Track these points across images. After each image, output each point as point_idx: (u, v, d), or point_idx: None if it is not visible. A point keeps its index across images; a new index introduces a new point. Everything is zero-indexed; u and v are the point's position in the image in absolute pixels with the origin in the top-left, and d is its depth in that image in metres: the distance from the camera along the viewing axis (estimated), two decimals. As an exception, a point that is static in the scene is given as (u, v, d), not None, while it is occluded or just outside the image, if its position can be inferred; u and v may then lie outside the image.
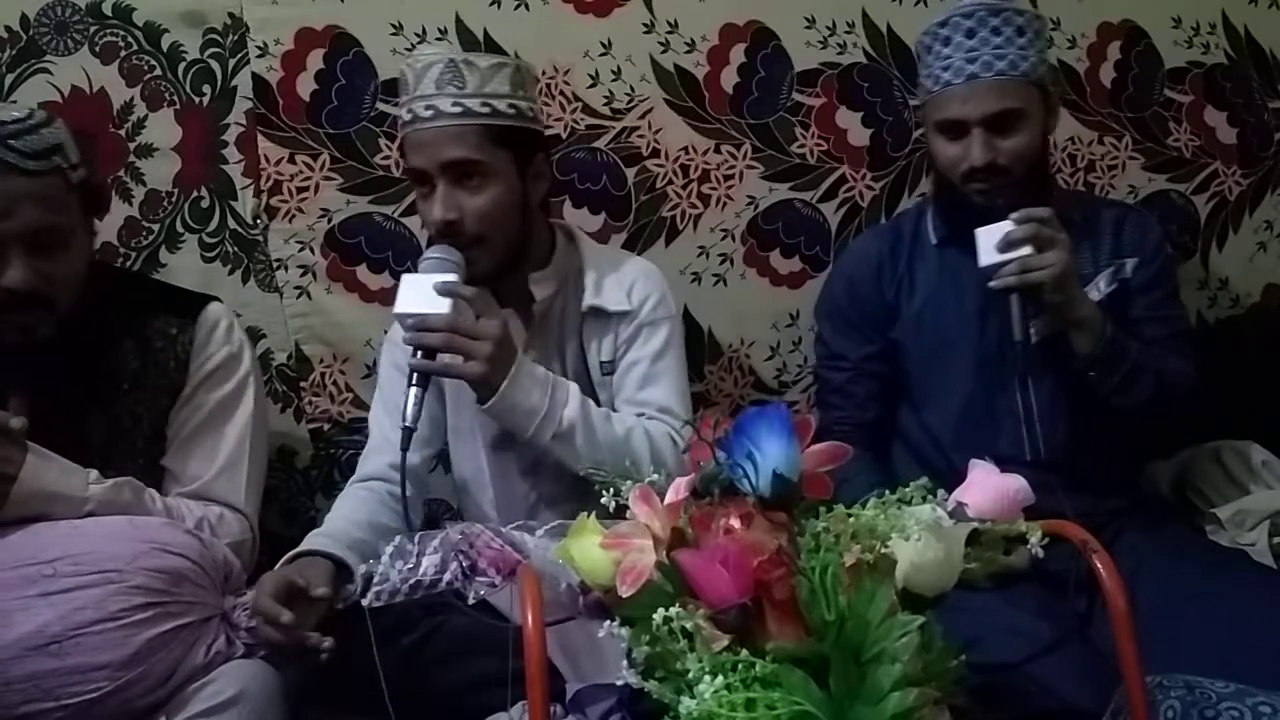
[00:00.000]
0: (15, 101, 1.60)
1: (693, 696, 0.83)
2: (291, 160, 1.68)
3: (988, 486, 1.01)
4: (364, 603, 1.03)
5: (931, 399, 1.61)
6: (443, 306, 1.29)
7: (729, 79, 1.79)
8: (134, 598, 1.14)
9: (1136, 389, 1.48)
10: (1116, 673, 0.99)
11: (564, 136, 1.73)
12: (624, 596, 0.91)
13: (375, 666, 1.07)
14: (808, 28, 1.80)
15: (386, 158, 1.71)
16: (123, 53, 1.64)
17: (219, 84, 1.66)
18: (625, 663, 0.90)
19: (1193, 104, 1.94)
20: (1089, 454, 1.55)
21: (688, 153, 1.79)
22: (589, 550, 0.95)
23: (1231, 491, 1.73)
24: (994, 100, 1.48)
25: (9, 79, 1.61)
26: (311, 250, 1.71)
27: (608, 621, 0.92)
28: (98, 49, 1.63)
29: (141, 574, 1.16)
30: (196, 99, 1.66)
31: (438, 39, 1.69)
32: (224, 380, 1.39)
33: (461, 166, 1.36)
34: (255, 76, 1.66)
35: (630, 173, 1.78)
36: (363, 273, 1.74)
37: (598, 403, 1.43)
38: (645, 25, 1.75)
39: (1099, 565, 0.97)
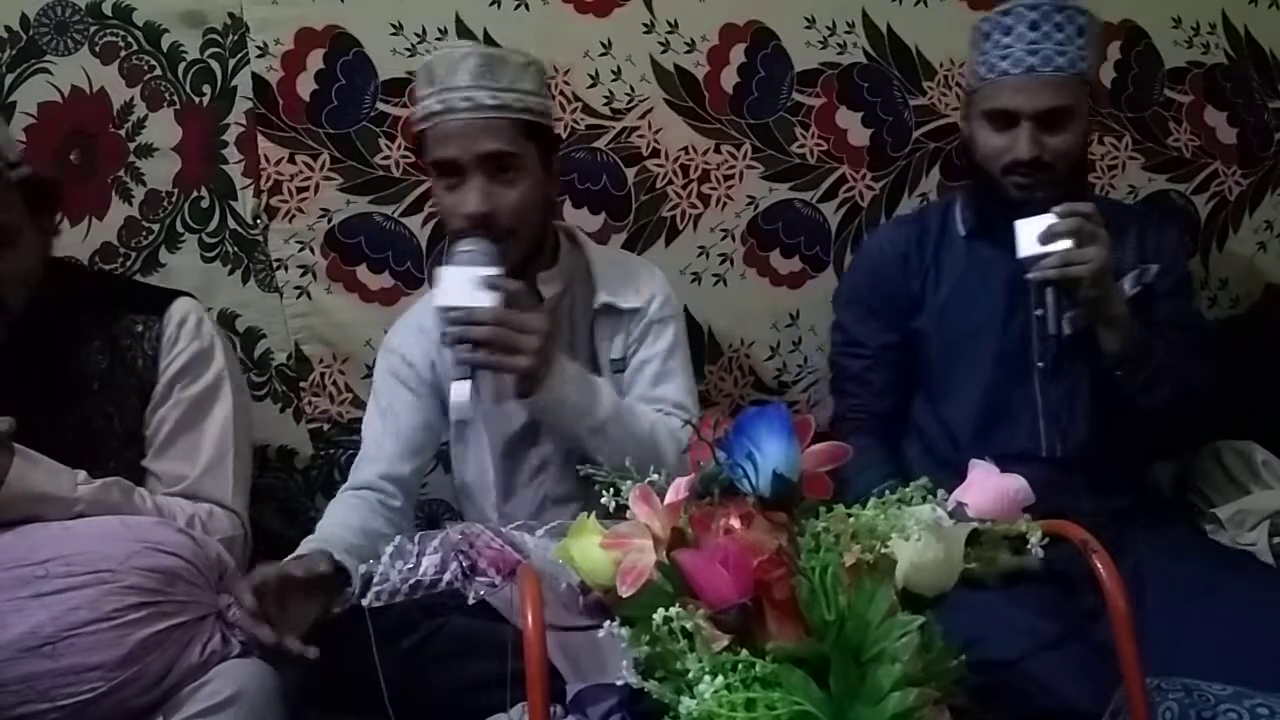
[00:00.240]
0: (15, 106, 1.60)
1: (693, 696, 0.83)
2: (291, 160, 1.68)
3: (988, 486, 1.01)
4: (364, 603, 1.03)
5: (951, 392, 1.60)
6: (487, 299, 1.28)
7: (729, 79, 1.79)
8: (127, 597, 1.14)
9: (1161, 389, 1.48)
10: (1117, 673, 0.99)
11: (564, 136, 1.73)
12: (624, 596, 0.91)
13: (375, 667, 1.07)
14: (808, 28, 1.80)
15: (386, 158, 1.71)
16: (123, 53, 1.64)
17: (219, 84, 1.66)
18: (625, 663, 0.90)
19: (1193, 104, 1.94)
20: (1103, 452, 1.55)
21: (688, 153, 1.79)
22: (589, 550, 0.95)
23: (1232, 491, 1.73)
24: (1049, 96, 1.48)
25: (9, 79, 1.61)
26: (311, 250, 1.71)
27: (608, 621, 0.92)
28: (98, 49, 1.63)
29: (135, 573, 1.15)
30: (196, 99, 1.66)
31: (438, 39, 1.69)
32: (197, 376, 1.37)
33: (498, 159, 1.35)
34: (255, 76, 1.66)
35: (630, 173, 1.78)
36: (363, 273, 1.74)
37: None
38: (645, 25, 1.75)
39: (1099, 565, 0.97)
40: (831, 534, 0.91)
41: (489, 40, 1.70)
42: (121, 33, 1.64)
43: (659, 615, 0.86)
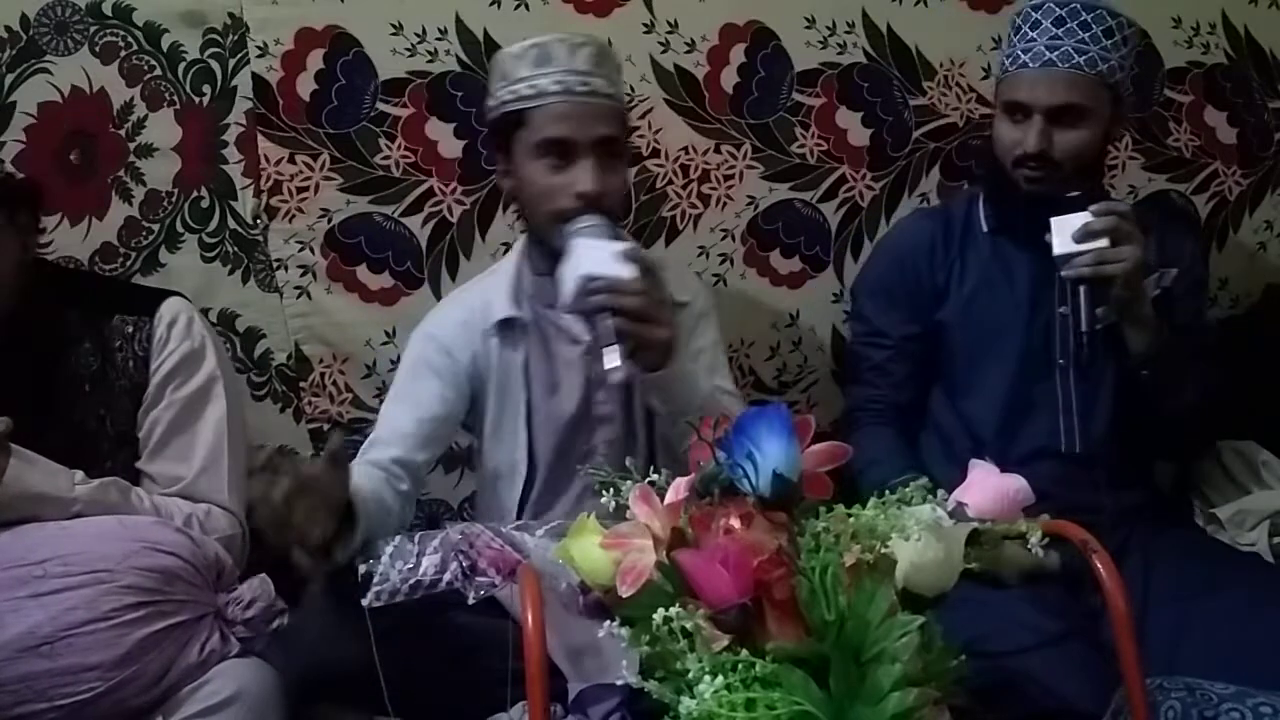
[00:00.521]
0: (15, 106, 1.60)
1: (693, 696, 0.83)
2: (291, 160, 1.68)
3: (988, 486, 1.01)
4: (364, 603, 1.03)
5: (973, 387, 1.60)
6: (628, 271, 1.29)
7: (729, 79, 1.78)
8: (125, 597, 1.13)
9: (1183, 392, 1.49)
10: (1119, 672, 0.99)
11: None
12: (624, 596, 0.91)
13: (375, 666, 1.07)
14: (808, 28, 1.80)
15: (386, 158, 1.71)
16: (123, 53, 1.64)
17: (219, 84, 1.66)
18: (625, 662, 0.90)
19: (1193, 104, 1.94)
20: (1122, 448, 1.56)
21: (688, 153, 1.79)
22: (589, 550, 0.95)
23: (1232, 491, 1.73)
24: (1062, 91, 1.49)
25: (9, 79, 1.61)
26: (311, 250, 1.71)
27: (608, 621, 0.92)
28: (98, 49, 1.63)
29: (132, 573, 1.15)
30: (196, 99, 1.66)
31: (438, 39, 1.69)
32: (189, 377, 1.37)
33: (611, 144, 1.41)
34: (255, 76, 1.66)
35: (630, 173, 1.78)
36: (363, 273, 1.73)
37: None
38: (645, 25, 1.75)
39: (1099, 565, 0.97)
40: (831, 534, 0.91)
41: (489, 40, 1.70)
42: (121, 33, 1.63)
43: (659, 615, 0.86)
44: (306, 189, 1.69)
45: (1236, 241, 2.00)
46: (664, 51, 1.76)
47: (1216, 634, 1.30)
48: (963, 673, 0.91)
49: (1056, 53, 1.49)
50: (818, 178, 1.84)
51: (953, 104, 1.85)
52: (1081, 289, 1.43)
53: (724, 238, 1.82)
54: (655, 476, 0.99)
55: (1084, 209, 1.43)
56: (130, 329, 1.36)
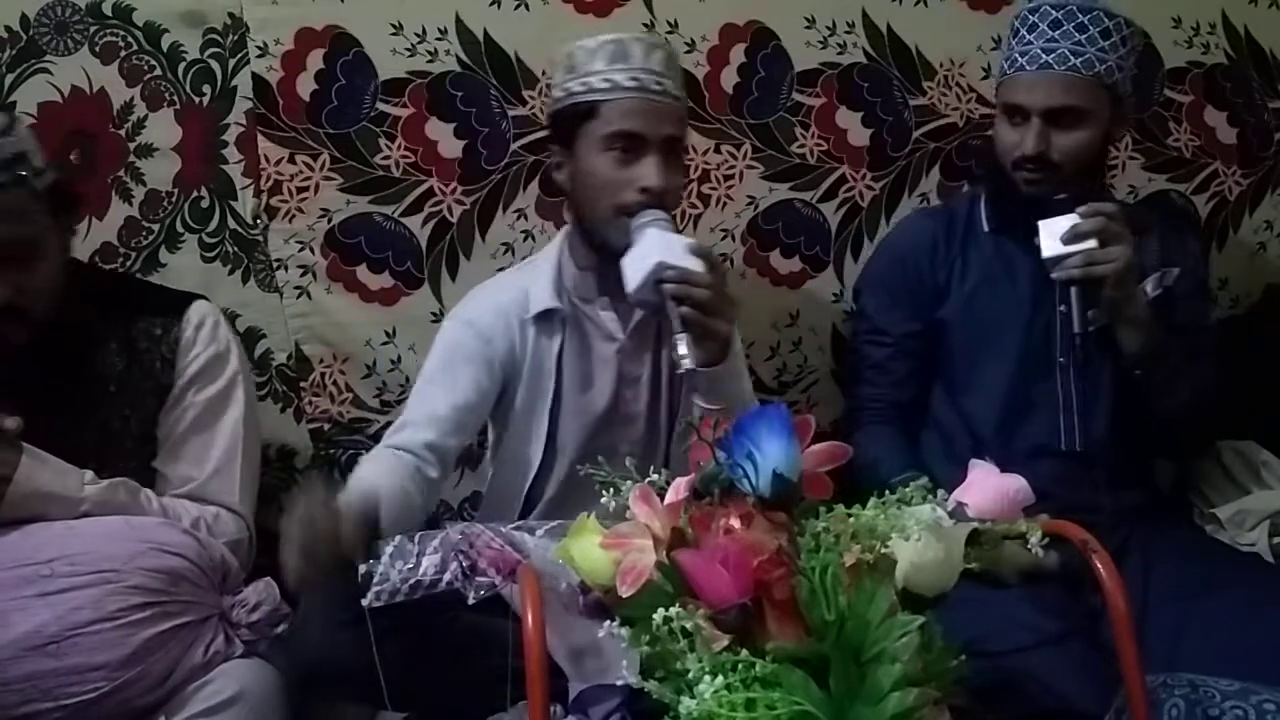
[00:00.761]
0: (15, 106, 1.59)
1: (693, 696, 0.83)
2: (291, 160, 1.68)
3: (988, 486, 1.01)
4: (364, 603, 1.03)
5: (973, 385, 1.61)
6: (697, 265, 1.32)
7: (729, 79, 1.78)
8: (131, 598, 1.14)
9: (1178, 391, 1.50)
10: (1118, 672, 0.99)
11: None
12: (624, 596, 0.91)
13: (376, 665, 1.07)
14: (808, 28, 1.80)
15: (386, 158, 1.71)
16: (123, 53, 1.64)
17: (219, 84, 1.66)
18: (626, 663, 0.90)
19: (1193, 104, 1.94)
20: (1121, 448, 1.56)
21: (688, 152, 1.78)
22: (589, 550, 0.95)
23: (1232, 491, 1.73)
24: (1059, 93, 1.49)
25: (9, 79, 1.61)
26: (311, 250, 1.71)
27: (608, 621, 0.92)
28: (98, 49, 1.63)
29: (139, 574, 1.15)
30: (196, 99, 1.66)
31: (438, 39, 1.69)
32: (212, 380, 1.38)
33: (675, 145, 1.45)
34: (255, 76, 1.66)
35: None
36: (363, 273, 1.73)
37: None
38: (645, 25, 1.75)
39: (1099, 565, 0.97)
40: (831, 534, 0.91)
41: (489, 40, 1.70)
42: (121, 33, 1.63)
43: (659, 615, 0.87)
44: (306, 189, 1.69)
45: (1236, 241, 2.00)
46: (664, 51, 1.76)
47: (1216, 634, 1.30)
48: (963, 673, 0.91)
49: (1053, 55, 1.49)
50: (818, 178, 1.84)
51: (953, 104, 1.85)
52: (1072, 290, 1.44)
53: (724, 238, 1.82)
54: (655, 476, 1.00)
55: (1072, 211, 1.44)
56: (158, 331, 1.37)
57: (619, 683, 0.92)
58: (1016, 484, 1.01)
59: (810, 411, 1.83)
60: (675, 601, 0.88)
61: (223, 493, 1.36)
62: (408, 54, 1.69)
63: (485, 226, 1.75)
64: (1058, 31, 1.49)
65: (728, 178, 1.81)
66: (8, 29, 1.61)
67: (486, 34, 1.70)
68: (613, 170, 1.41)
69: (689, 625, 0.86)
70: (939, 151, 1.86)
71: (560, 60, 1.48)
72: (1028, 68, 1.51)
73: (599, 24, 1.73)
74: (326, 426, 1.76)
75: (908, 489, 0.97)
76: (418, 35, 1.69)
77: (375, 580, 1.02)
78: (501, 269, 1.73)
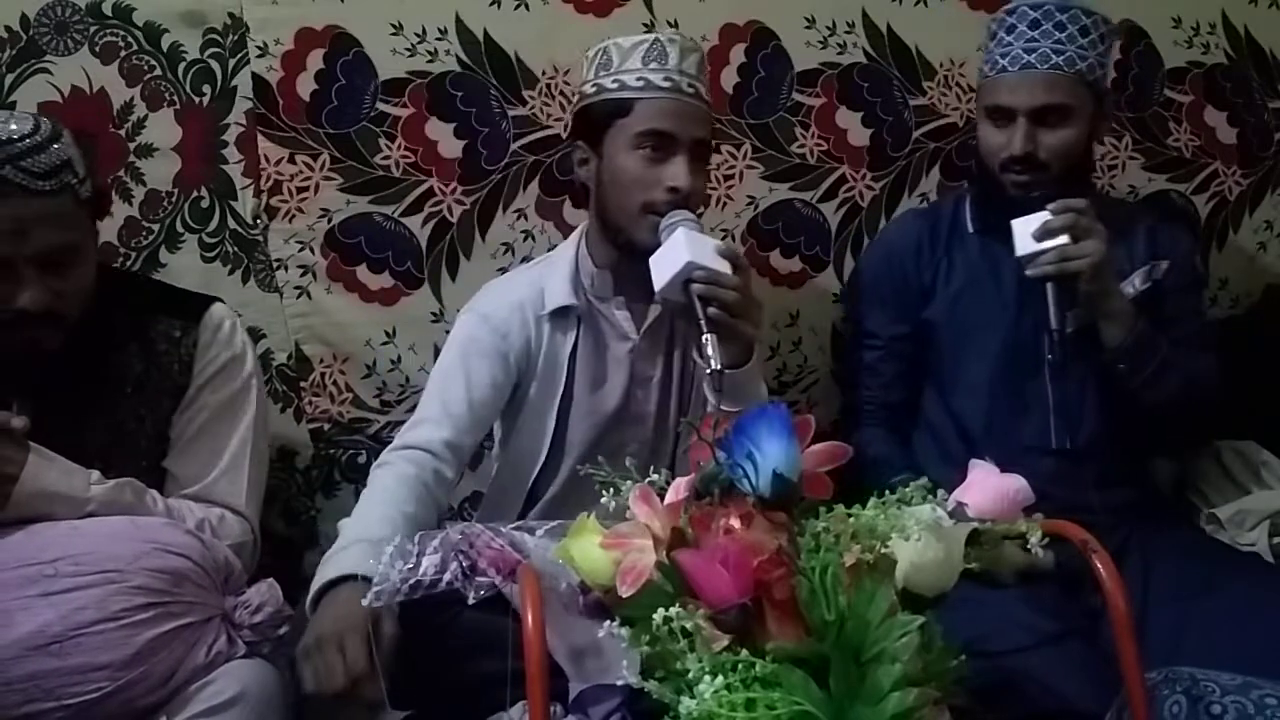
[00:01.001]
0: (15, 106, 1.59)
1: (693, 696, 0.83)
2: (291, 160, 1.68)
3: (988, 486, 1.01)
4: (364, 602, 1.03)
5: (960, 385, 1.61)
6: (727, 267, 1.32)
7: (729, 79, 1.79)
8: (135, 598, 1.14)
9: (1165, 384, 1.49)
10: (1118, 672, 0.99)
11: (564, 136, 1.73)
12: (624, 596, 0.91)
13: (390, 662, 1.07)
14: (808, 28, 1.80)
15: (386, 158, 1.71)
16: (123, 53, 1.64)
17: (219, 84, 1.66)
18: (626, 662, 0.90)
19: (1193, 104, 1.94)
20: (1112, 446, 1.56)
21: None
22: (589, 550, 0.95)
23: (1232, 491, 1.73)
24: (1043, 92, 1.50)
25: (9, 79, 1.61)
26: (311, 250, 1.71)
27: (608, 621, 0.92)
28: (98, 49, 1.63)
29: (143, 574, 1.15)
30: (196, 99, 1.66)
31: (438, 39, 1.69)
32: (227, 382, 1.38)
33: (703, 148, 1.46)
34: (255, 76, 1.66)
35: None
36: (363, 273, 1.73)
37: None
38: (645, 25, 1.75)
39: (1099, 565, 0.97)
40: (831, 534, 0.91)
41: (489, 40, 1.70)
42: (121, 33, 1.63)
43: (659, 615, 0.87)
44: (306, 189, 1.69)
45: (1236, 241, 2.00)
46: (664, 51, 1.76)
47: (1216, 633, 1.30)
48: (962, 673, 0.91)
49: (1034, 54, 1.50)
50: (818, 178, 1.84)
51: (953, 104, 1.85)
52: (1049, 287, 1.44)
53: (724, 238, 1.82)
54: (655, 476, 1.00)
55: (1043, 208, 1.44)
56: (177, 333, 1.37)
57: (619, 683, 0.92)
58: (1016, 484, 1.01)
59: (810, 411, 1.83)
60: (675, 601, 0.88)
61: (229, 494, 1.36)
62: (408, 54, 1.69)
63: (485, 226, 1.75)
64: (1037, 31, 1.50)
65: (728, 178, 1.81)
66: (8, 29, 1.61)
67: (486, 34, 1.70)
68: (642, 168, 1.42)
69: (689, 625, 0.86)
70: (939, 151, 1.86)
71: (593, 56, 1.48)
72: (1010, 69, 1.51)
73: (599, 24, 1.73)
74: (326, 426, 1.76)
75: (908, 489, 0.97)
76: (418, 35, 1.69)
77: (375, 580, 1.02)
78: (502, 269, 1.73)
